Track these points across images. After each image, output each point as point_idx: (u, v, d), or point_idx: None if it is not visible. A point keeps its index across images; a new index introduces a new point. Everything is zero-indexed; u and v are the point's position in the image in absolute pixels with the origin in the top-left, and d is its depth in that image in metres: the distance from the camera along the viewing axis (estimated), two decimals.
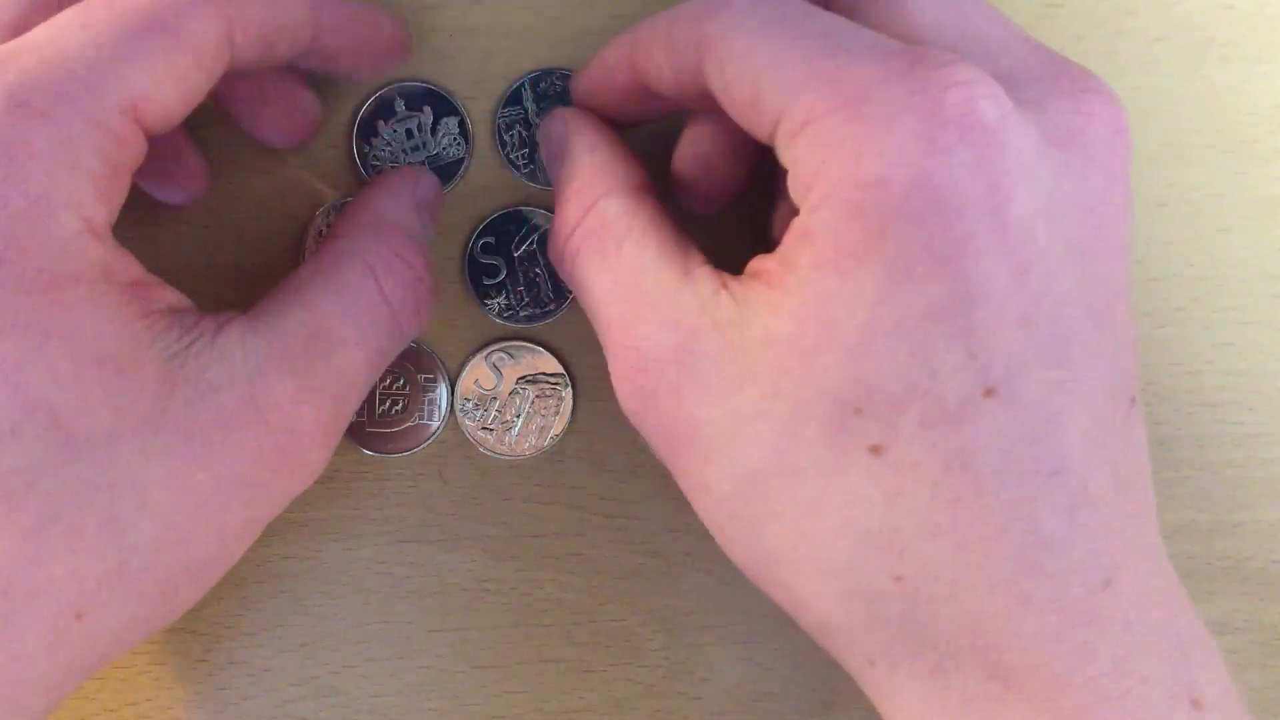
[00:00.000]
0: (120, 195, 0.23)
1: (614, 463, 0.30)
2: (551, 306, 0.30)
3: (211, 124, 0.29)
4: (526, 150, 0.30)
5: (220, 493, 0.22)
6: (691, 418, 0.22)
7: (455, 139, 0.30)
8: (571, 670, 0.30)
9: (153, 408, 0.22)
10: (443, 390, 0.30)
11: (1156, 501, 0.23)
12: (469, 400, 0.30)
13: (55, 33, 0.22)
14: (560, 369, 0.30)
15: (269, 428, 0.23)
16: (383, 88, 0.29)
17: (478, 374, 0.30)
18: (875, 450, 0.20)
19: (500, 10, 0.30)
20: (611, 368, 0.24)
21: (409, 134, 0.29)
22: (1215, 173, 0.31)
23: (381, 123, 0.29)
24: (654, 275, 0.23)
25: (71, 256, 0.21)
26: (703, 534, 0.30)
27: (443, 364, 0.30)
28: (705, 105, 0.24)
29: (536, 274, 0.30)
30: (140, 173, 0.24)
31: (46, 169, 0.21)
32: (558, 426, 0.30)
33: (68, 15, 0.22)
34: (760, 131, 0.22)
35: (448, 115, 0.29)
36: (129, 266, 0.23)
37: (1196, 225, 0.31)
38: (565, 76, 0.29)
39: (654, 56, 0.24)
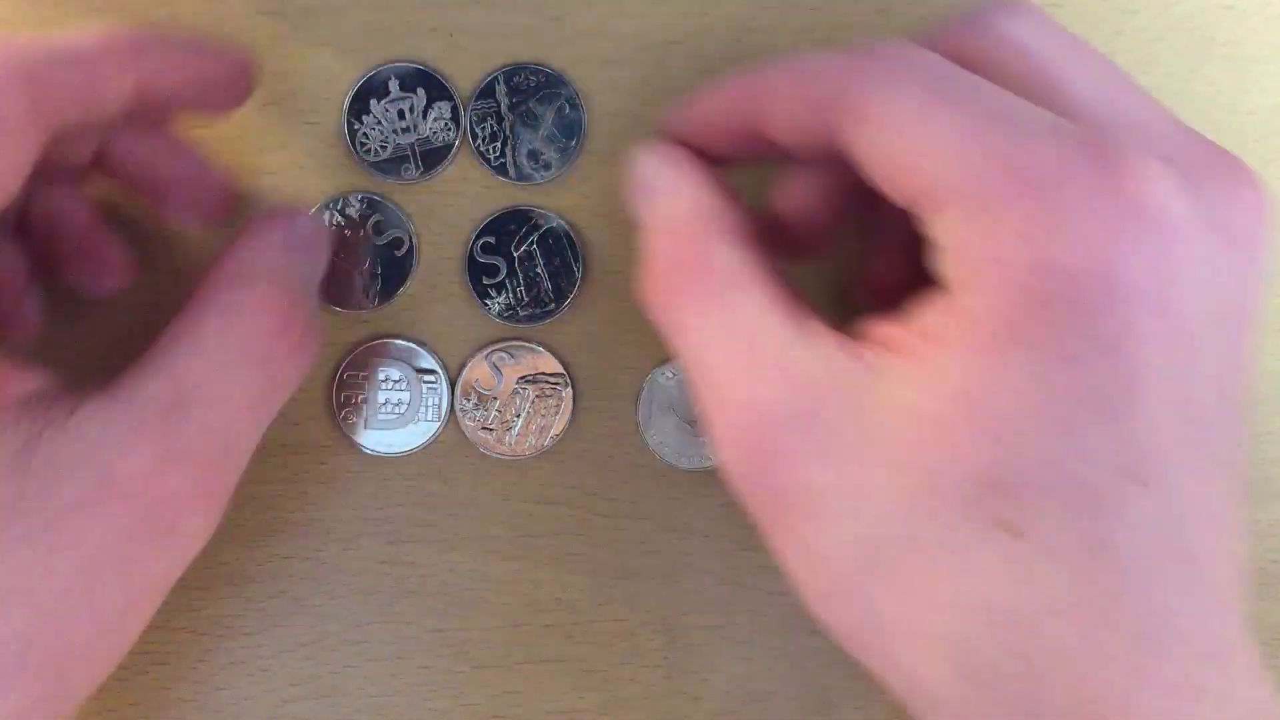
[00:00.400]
0: None
1: (614, 463, 0.30)
2: (552, 306, 0.30)
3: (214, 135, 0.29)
4: (497, 145, 0.30)
5: (86, 574, 0.22)
6: (807, 482, 0.21)
7: (446, 124, 0.30)
8: (571, 670, 0.30)
9: (7, 500, 0.21)
10: (444, 390, 0.30)
11: None
12: (469, 400, 0.30)
13: None
14: (560, 369, 0.30)
15: (130, 503, 0.22)
16: (378, 66, 0.29)
17: (478, 374, 0.30)
18: (1014, 531, 0.19)
19: (500, 10, 0.30)
20: (714, 422, 0.23)
21: (400, 115, 0.29)
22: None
23: (374, 101, 0.29)
24: (770, 329, 0.22)
25: None
26: (703, 534, 0.30)
27: (443, 364, 0.30)
28: (823, 156, 0.23)
29: (537, 274, 0.30)
30: (63, 269, 0.25)
31: None
32: (558, 426, 0.30)
33: None
34: (901, 196, 0.22)
35: (441, 100, 0.29)
36: None
37: None
38: (538, 71, 0.29)
39: (781, 104, 0.23)
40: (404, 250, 0.30)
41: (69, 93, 0.23)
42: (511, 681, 0.30)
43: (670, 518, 0.30)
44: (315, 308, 0.27)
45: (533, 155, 0.29)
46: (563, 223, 0.30)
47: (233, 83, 0.27)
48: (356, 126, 0.29)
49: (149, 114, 0.26)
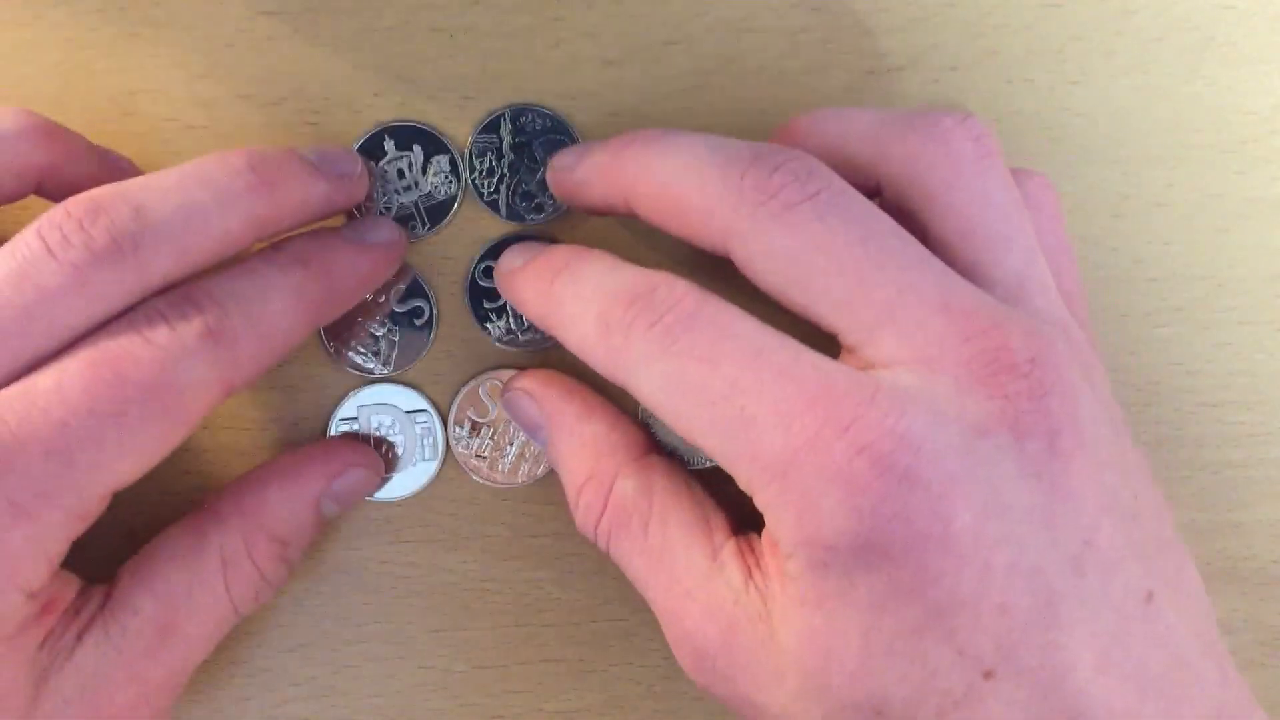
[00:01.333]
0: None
1: None
2: None
3: None
4: (493, 180, 0.30)
5: None
6: (750, 699, 0.23)
7: (447, 177, 0.29)
8: (571, 670, 0.30)
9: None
10: (436, 427, 0.30)
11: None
12: (462, 429, 0.30)
13: (49, 417, 0.22)
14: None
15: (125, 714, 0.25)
16: (369, 130, 0.29)
17: (472, 402, 0.30)
18: None
19: (500, 10, 0.30)
20: (672, 648, 0.25)
21: (400, 174, 0.29)
22: (1215, 173, 0.31)
23: (372, 163, 0.29)
24: (685, 561, 0.25)
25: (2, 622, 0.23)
26: None
27: (433, 403, 0.30)
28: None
29: None
30: None
31: (11, 567, 0.23)
32: None
33: (66, 393, 0.23)
34: None
35: (438, 153, 0.29)
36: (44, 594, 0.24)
37: (1196, 225, 0.31)
38: (546, 115, 0.29)
39: (659, 214, 0.25)
40: (423, 320, 0.30)
41: (250, 374, 0.25)
42: (511, 681, 0.30)
43: None
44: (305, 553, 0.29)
45: (526, 196, 0.29)
46: None
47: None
48: None
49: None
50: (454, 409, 0.30)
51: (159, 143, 0.29)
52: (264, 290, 0.25)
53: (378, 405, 0.29)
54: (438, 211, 0.29)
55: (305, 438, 0.30)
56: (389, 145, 0.29)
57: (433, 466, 0.30)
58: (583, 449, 0.27)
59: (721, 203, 0.24)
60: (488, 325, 0.30)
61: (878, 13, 0.30)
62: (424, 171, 0.29)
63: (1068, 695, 0.21)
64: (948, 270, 0.23)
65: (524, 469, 0.30)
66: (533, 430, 0.28)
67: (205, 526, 0.26)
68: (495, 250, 0.29)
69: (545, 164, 0.29)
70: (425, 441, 0.30)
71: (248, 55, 0.29)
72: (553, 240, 0.30)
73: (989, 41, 0.30)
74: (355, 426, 0.29)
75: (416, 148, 0.29)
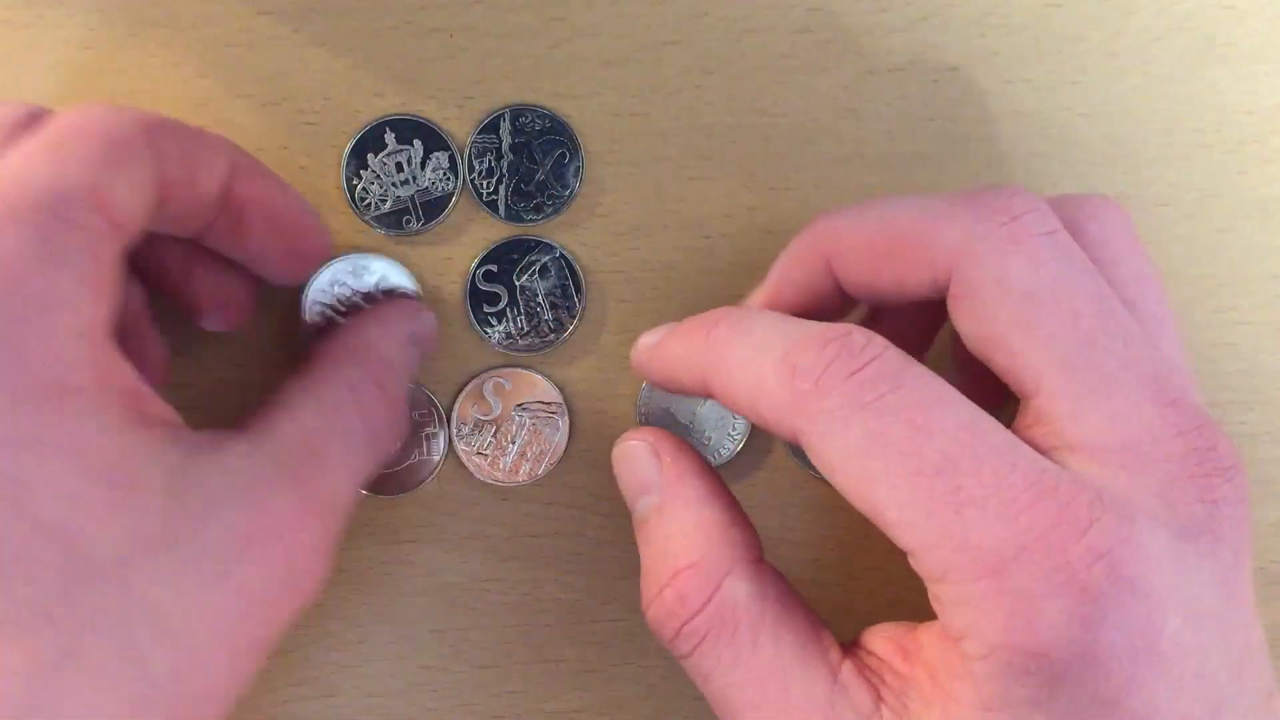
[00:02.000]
0: (114, 296, 0.22)
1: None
2: (551, 337, 0.30)
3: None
4: (491, 181, 0.29)
5: (234, 613, 0.22)
6: None
7: (445, 174, 0.29)
8: (571, 670, 0.30)
9: (161, 527, 0.21)
10: (438, 424, 0.30)
11: None
12: (465, 425, 0.30)
13: (20, 159, 0.22)
14: (558, 397, 0.30)
15: (275, 545, 0.22)
16: (372, 121, 0.29)
17: (475, 400, 0.30)
18: None
19: (500, 9, 0.30)
20: None
21: (399, 167, 0.29)
22: (1215, 172, 0.31)
23: (371, 155, 0.29)
24: (802, 681, 0.22)
25: (70, 364, 0.20)
26: None
27: (435, 401, 0.30)
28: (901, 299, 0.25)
29: (537, 304, 0.30)
30: (185, 298, 0.26)
31: (37, 267, 0.20)
32: (554, 455, 0.30)
33: (28, 145, 0.22)
34: (892, 539, 0.22)
35: (438, 150, 0.29)
36: (125, 374, 0.22)
37: (1197, 225, 0.31)
38: (546, 116, 0.29)
39: (739, 407, 0.23)
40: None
41: (178, 152, 0.24)
42: (511, 681, 0.30)
43: None
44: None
45: (525, 197, 0.29)
46: (565, 253, 0.30)
47: (304, 236, 0.27)
48: (355, 181, 0.29)
49: (222, 242, 0.26)
50: (457, 405, 0.30)
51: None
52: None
53: None
54: (434, 208, 0.29)
55: None
56: (389, 138, 0.29)
57: (434, 462, 0.30)
58: (696, 531, 0.24)
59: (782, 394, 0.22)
60: (487, 330, 0.30)
61: (878, 12, 0.30)
62: (423, 167, 0.29)
63: None
64: (1150, 349, 0.22)
65: (525, 468, 0.30)
66: (639, 490, 0.25)
67: (322, 366, 0.26)
68: (495, 254, 0.29)
69: (544, 164, 0.29)
70: (427, 439, 0.29)
71: (247, 55, 0.29)
72: (558, 246, 0.30)
73: (989, 41, 0.30)
74: None
75: (417, 142, 0.29)
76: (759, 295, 0.27)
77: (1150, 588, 0.20)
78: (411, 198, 0.29)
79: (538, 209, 0.29)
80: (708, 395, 0.24)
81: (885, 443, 0.21)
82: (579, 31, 0.30)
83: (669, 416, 0.30)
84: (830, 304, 0.26)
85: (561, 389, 0.30)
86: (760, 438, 0.30)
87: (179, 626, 0.21)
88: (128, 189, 0.22)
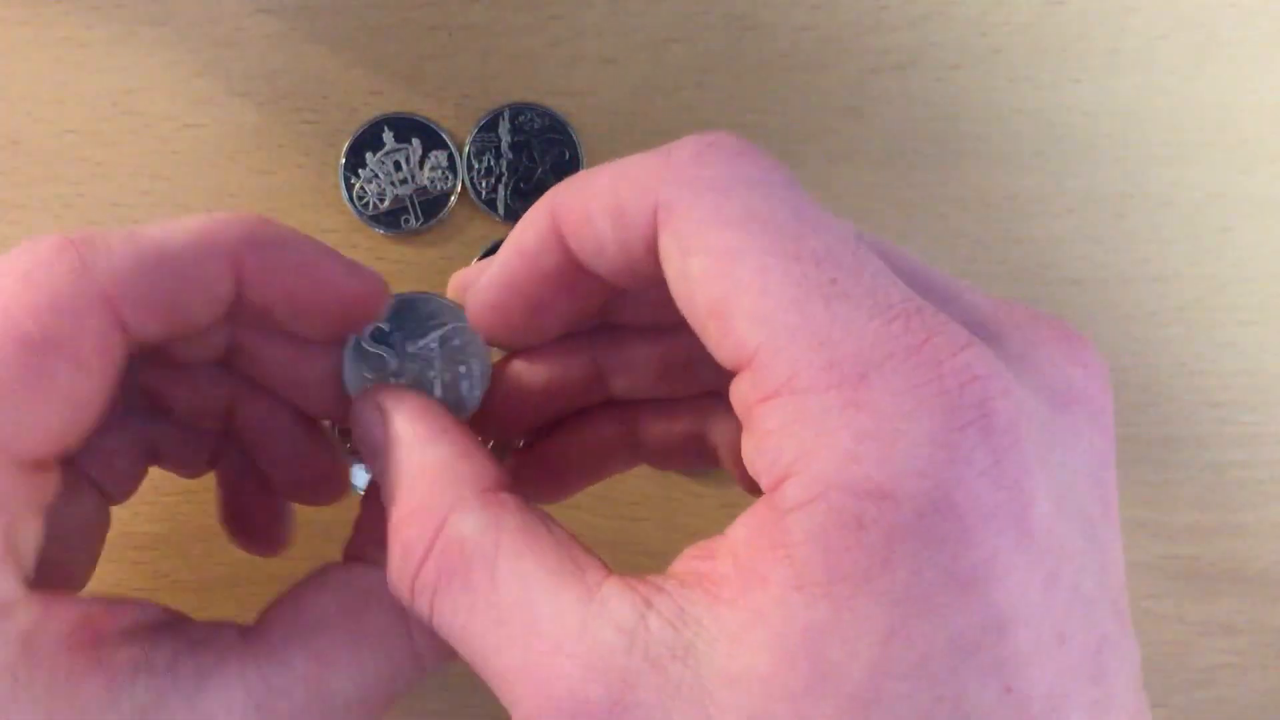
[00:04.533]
0: (35, 541, 0.19)
1: None
2: None
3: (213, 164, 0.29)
4: (491, 180, 0.29)
5: None
6: None
7: (444, 173, 0.29)
8: None
9: None
10: None
11: (1161, 501, 0.22)
12: None
13: None
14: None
15: None
16: (370, 120, 0.29)
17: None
18: None
19: (499, 8, 0.30)
20: None
21: (397, 166, 0.29)
22: (1218, 172, 0.31)
23: (370, 154, 0.29)
24: (549, 608, 0.18)
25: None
26: (703, 534, 0.30)
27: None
28: (653, 288, 0.20)
29: None
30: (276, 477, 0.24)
31: None
32: None
33: None
34: (719, 353, 0.18)
35: (436, 148, 0.29)
36: (61, 617, 0.19)
37: (1199, 224, 0.31)
38: (545, 114, 0.29)
39: (594, 222, 0.20)
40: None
41: (154, 309, 0.20)
42: None
43: (669, 518, 0.30)
44: None
45: (524, 196, 0.29)
46: None
47: (353, 302, 0.22)
48: (353, 180, 0.29)
49: (256, 320, 0.22)
50: None
51: (156, 140, 0.29)
52: None
53: None
54: (432, 206, 0.29)
55: None
56: (388, 136, 0.29)
57: None
58: (416, 477, 0.20)
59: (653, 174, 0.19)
60: None
61: (880, 10, 0.30)
62: (421, 165, 0.29)
63: None
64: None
65: None
66: (374, 453, 0.22)
67: (366, 582, 0.21)
68: (494, 252, 0.29)
69: (544, 163, 0.29)
70: None
71: (245, 53, 0.29)
72: None
73: (992, 40, 0.30)
74: None
75: (415, 140, 0.29)
76: (490, 271, 0.22)
77: (1022, 441, 0.16)
78: (410, 196, 0.29)
79: None
80: (555, 258, 0.21)
81: (766, 218, 0.17)
82: (578, 30, 0.30)
83: None
84: (567, 281, 0.21)
85: None
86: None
87: None
88: (53, 409, 0.19)
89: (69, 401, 0.19)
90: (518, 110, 0.29)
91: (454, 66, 0.30)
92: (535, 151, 0.29)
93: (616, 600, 0.18)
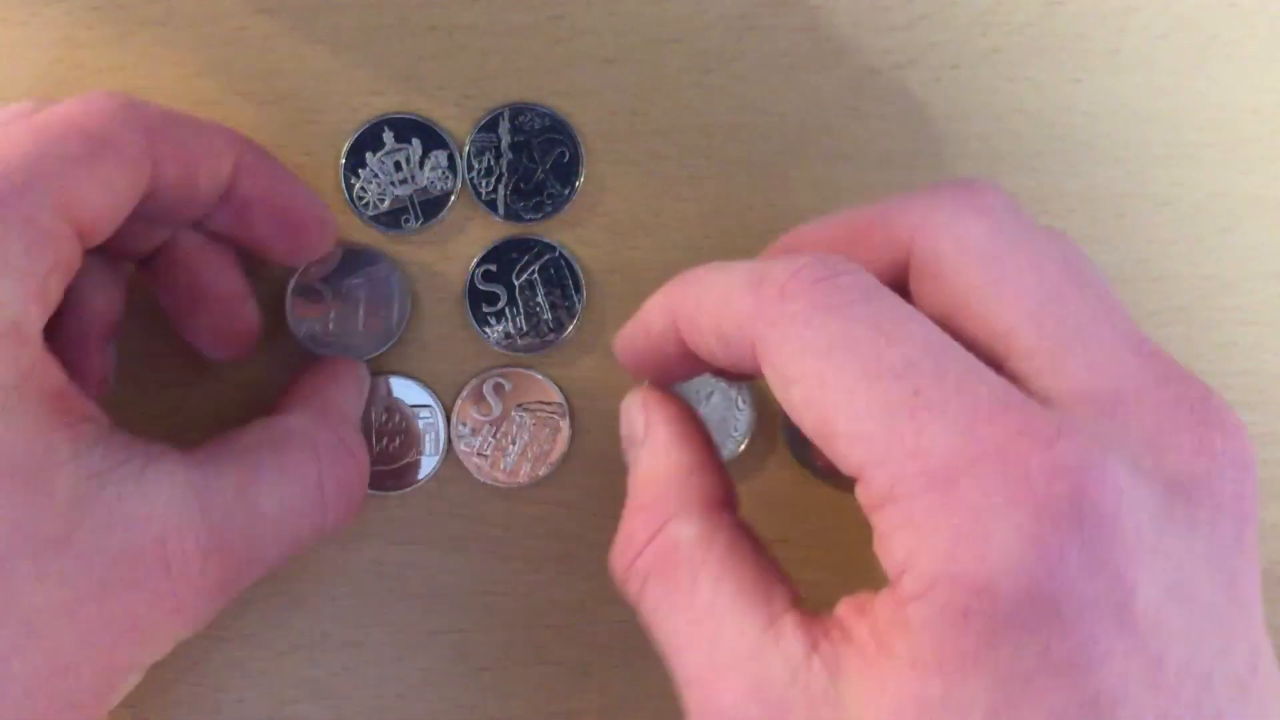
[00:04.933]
0: (53, 301, 0.22)
1: (615, 464, 0.30)
2: (551, 337, 0.29)
3: None
4: (491, 180, 0.29)
5: (110, 630, 0.22)
6: None
7: (444, 173, 0.29)
8: (571, 671, 0.30)
9: (58, 529, 0.21)
10: (440, 424, 0.29)
11: None
12: (465, 426, 0.29)
13: None
14: (559, 398, 0.30)
15: (170, 574, 0.22)
16: (371, 119, 0.29)
17: (474, 400, 0.30)
18: None
19: (499, 8, 0.30)
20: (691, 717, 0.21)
21: (397, 166, 0.29)
22: (1218, 172, 0.31)
23: (369, 154, 0.29)
24: (735, 626, 0.20)
25: None
26: None
27: (438, 397, 0.30)
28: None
29: (537, 304, 0.29)
30: (189, 321, 0.27)
31: None
32: (554, 455, 0.30)
33: (9, 132, 0.23)
34: (838, 464, 0.20)
35: (436, 148, 0.29)
36: (50, 375, 0.22)
37: (1199, 224, 0.31)
38: (545, 114, 0.29)
39: (704, 339, 0.22)
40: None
41: (182, 154, 0.24)
42: (511, 683, 0.30)
43: None
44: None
45: (524, 195, 0.29)
46: (564, 253, 0.29)
47: (309, 226, 0.27)
48: (353, 180, 0.29)
49: (224, 225, 0.27)
50: (457, 406, 0.29)
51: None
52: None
53: (382, 398, 0.29)
54: (432, 206, 0.29)
55: None
56: (388, 136, 0.29)
57: (434, 461, 0.29)
58: (654, 476, 0.23)
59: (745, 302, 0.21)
60: (486, 329, 0.29)
61: (879, 10, 0.30)
62: (421, 165, 0.29)
63: None
64: (1124, 309, 0.21)
65: (525, 468, 0.30)
66: (630, 443, 0.25)
67: (286, 424, 0.26)
68: (494, 253, 0.29)
69: (544, 163, 0.29)
70: (428, 436, 0.29)
71: (246, 53, 0.29)
72: (558, 245, 0.30)
73: (991, 39, 0.30)
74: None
75: (415, 140, 0.29)
76: (621, 334, 0.25)
77: (1123, 531, 0.17)
78: (410, 196, 0.29)
79: (537, 208, 0.29)
80: (679, 346, 0.23)
81: (846, 344, 0.19)
82: (578, 29, 0.30)
83: None
84: (689, 357, 0.24)
85: (562, 389, 0.30)
86: (762, 439, 0.30)
87: (50, 631, 0.21)
88: (99, 189, 0.22)
89: (111, 189, 0.23)
90: (518, 110, 0.29)
91: (453, 66, 0.30)
92: (535, 151, 0.29)
93: (790, 635, 0.20)
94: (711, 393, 0.30)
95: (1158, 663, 0.17)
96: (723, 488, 0.23)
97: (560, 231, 0.30)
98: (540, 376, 0.30)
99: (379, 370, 0.30)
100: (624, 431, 0.25)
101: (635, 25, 0.30)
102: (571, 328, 0.30)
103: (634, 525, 0.23)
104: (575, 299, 0.30)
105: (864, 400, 0.19)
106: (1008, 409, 0.18)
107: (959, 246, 0.21)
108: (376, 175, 0.29)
